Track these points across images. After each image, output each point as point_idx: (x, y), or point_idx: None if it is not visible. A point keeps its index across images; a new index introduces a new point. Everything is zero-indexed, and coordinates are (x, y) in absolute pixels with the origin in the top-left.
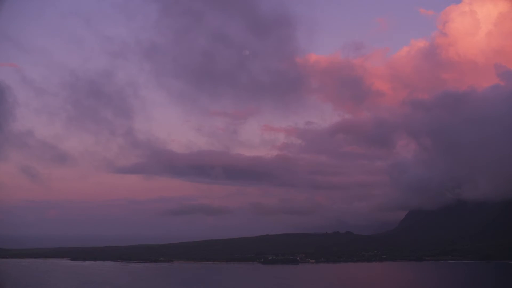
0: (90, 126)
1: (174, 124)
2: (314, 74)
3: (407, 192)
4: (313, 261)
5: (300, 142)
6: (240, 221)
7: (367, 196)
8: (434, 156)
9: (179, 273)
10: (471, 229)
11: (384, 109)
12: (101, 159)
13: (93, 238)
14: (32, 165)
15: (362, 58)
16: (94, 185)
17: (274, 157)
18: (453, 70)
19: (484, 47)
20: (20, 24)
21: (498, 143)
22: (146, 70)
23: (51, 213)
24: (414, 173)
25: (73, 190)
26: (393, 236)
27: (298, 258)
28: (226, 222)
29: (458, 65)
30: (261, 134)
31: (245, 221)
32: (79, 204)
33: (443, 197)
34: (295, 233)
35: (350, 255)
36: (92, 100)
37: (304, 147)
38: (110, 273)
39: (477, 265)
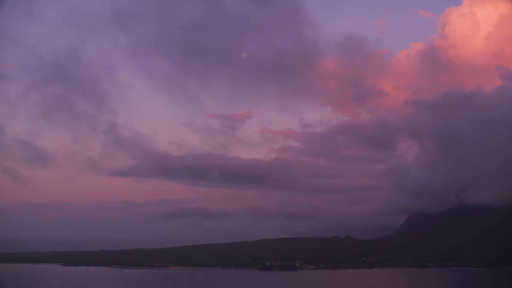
0: (70, 123)
1: (161, 119)
2: (313, 76)
3: (408, 195)
4: (312, 267)
5: (299, 144)
6: (238, 225)
7: (366, 199)
8: (437, 158)
9: (173, 281)
10: (474, 234)
11: (384, 111)
12: (96, 161)
13: (89, 241)
14: (14, 166)
15: (361, 60)
16: (91, 187)
17: (273, 160)
18: (452, 73)
19: (484, 50)
20: None
21: (503, 144)
22: (123, 48)
23: (49, 215)
24: (415, 176)
25: (71, 193)
26: (393, 240)
27: (297, 264)
28: (224, 226)
29: (457, 68)
30: (259, 137)
31: (243, 225)
32: (77, 207)
33: (445, 200)
34: (294, 238)
35: (350, 261)
36: (60, 87)
37: (303, 150)
38: (102, 279)
39: (482, 273)
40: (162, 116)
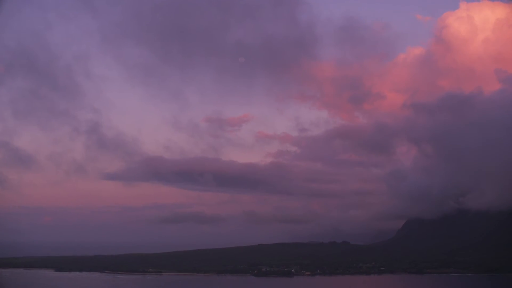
0: (56, 124)
1: (151, 120)
2: (310, 80)
3: (405, 200)
4: (309, 273)
5: (296, 149)
6: (234, 229)
7: (364, 204)
8: (435, 163)
9: (166, 287)
10: (472, 240)
11: (381, 115)
12: (90, 165)
13: (85, 245)
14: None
15: (358, 64)
16: (87, 192)
17: (269, 164)
18: (450, 77)
19: (482, 54)
20: None
21: (503, 148)
22: (93, 34)
23: (45, 219)
24: (413, 180)
25: (68, 197)
26: (390, 246)
27: (293, 270)
28: (219, 231)
29: (455, 72)
30: (256, 141)
31: (239, 230)
32: (74, 211)
33: (443, 205)
34: (290, 243)
35: (347, 267)
36: (30, 81)
37: (300, 154)
38: (93, 286)
39: (481, 279)
40: (151, 117)
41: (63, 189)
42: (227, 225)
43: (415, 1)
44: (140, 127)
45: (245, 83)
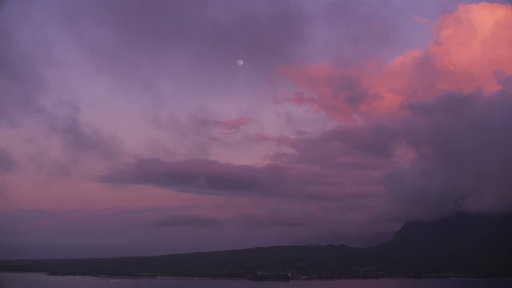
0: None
1: (140, 120)
2: (307, 82)
3: (404, 203)
4: (305, 277)
5: (293, 151)
6: (230, 232)
7: (361, 207)
8: (434, 165)
9: None
10: (471, 243)
11: (379, 116)
12: (86, 167)
13: (82, 248)
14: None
15: (356, 67)
16: (86, 194)
17: (266, 166)
18: (448, 80)
19: (480, 56)
20: None
21: (503, 150)
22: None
23: (44, 222)
24: (412, 183)
25: (66, 199)
26: (388, 249)
27: (289, 274)
28: (216, 234)
29: (453, 74)
30: (253, 143)
31: (235, 233)
32: (72, 213)
33: (442, 208)
34: (287, 246)
35: (345, 271)
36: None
37: (297, 157)
38: None
39: (480, 283)
40: (141, 117)
41: (60, 191)
42: (224, 228)
43: (413, 3)
44: (132, 128)
45: (228, 73)
